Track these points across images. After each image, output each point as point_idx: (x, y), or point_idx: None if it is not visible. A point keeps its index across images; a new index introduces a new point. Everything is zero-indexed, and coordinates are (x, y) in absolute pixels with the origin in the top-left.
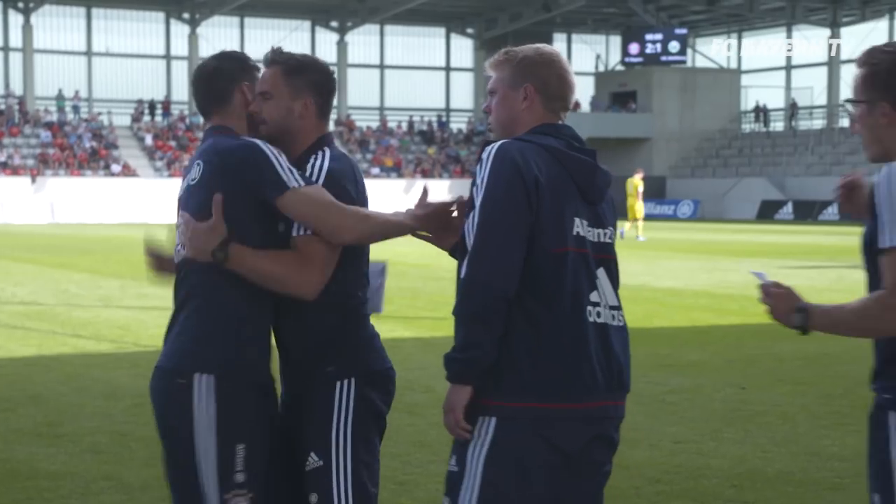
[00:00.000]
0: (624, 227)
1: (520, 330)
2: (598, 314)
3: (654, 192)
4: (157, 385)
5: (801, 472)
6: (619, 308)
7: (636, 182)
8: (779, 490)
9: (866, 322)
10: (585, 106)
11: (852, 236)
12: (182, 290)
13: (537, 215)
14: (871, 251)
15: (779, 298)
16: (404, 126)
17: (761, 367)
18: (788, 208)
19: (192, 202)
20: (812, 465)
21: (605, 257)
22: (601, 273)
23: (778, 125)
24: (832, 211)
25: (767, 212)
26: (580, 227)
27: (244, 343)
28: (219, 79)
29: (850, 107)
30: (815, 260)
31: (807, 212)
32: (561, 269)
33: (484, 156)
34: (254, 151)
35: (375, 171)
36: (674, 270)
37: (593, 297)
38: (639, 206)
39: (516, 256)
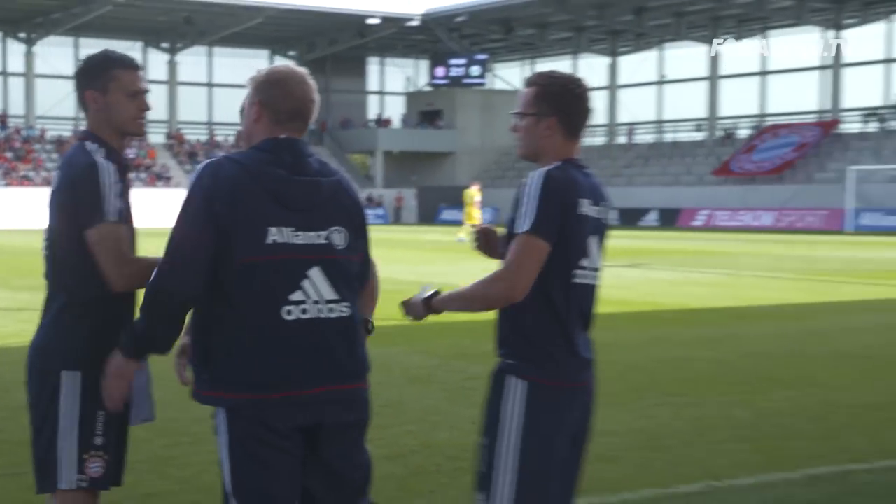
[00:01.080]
0: (461, 234)
1: (215, 332)
2: (304, 311)
3: (458, 199)
4: (29, 379)
5: None
6: (340, 301)
7: (472, 192)
8: None
9: (477, 294)
10: (397, 122)
11: (630, 239)
12: (50, 284)
13: (227, 230)
14: (510, 236)
15: (412, 308)
16: (231, 140)
17: None
18: None
19: (50, 209)
20: (591, 441)
21: (323, 257)
22: (315, 272)
23: None
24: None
25: None
26: (278, 234)
27: (106, 338)
28: (76, 84)
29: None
30: None
31: None
32: (249, 277)
33: (195, 170)
34: (87, 174)
35: None
36: (474, 270)
37: (295, 296)
38: (476, 214)
39: (200, 267)
